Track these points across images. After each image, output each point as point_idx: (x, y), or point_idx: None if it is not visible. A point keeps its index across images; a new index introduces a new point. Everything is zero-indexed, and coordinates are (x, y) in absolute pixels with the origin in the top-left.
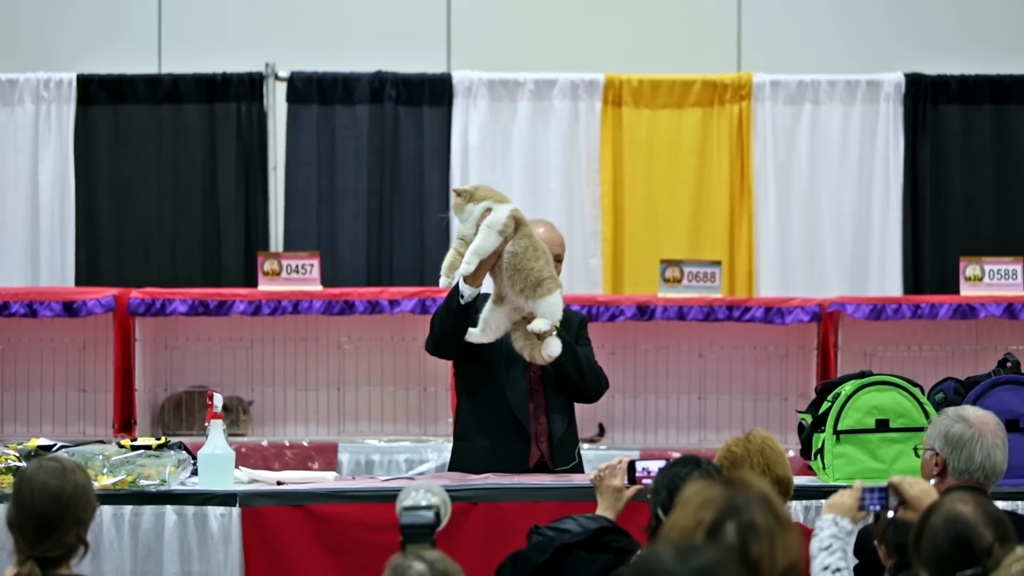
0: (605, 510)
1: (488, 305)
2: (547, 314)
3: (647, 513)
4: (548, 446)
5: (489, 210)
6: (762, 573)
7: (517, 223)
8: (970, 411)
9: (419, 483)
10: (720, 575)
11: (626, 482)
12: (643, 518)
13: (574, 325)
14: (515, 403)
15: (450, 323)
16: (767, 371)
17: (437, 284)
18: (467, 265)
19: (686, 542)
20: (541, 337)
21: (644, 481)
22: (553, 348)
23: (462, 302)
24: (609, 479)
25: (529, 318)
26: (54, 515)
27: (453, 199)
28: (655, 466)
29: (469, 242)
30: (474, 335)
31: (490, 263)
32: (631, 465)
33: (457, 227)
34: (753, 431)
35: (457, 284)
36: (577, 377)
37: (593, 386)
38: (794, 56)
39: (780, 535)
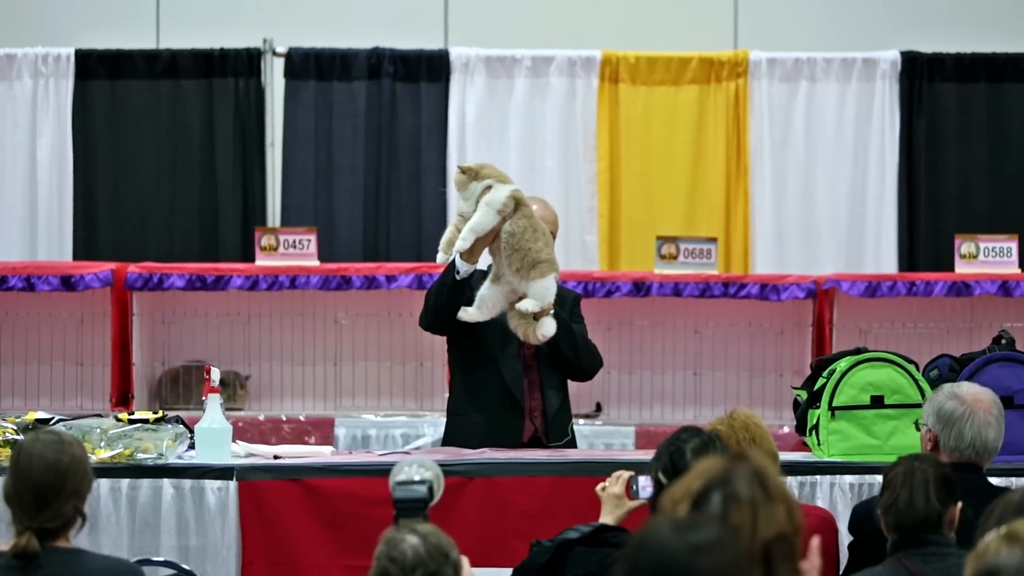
0: (605, 516)
1: (486, 283)
2: (537, 295)
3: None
4: (542, 421)
5: (489, 188)
6: (742, 541)
7: (517, 203)
8: (965, 388)
9: (412, 458)
10: (716, 552)
11: (628, 495)
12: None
13: (567, 303)
14: (510, 379)
15: (444, 298)
16: (762, 347)
17: (434, 260)
18: (463, 242)
19: (685, 518)
20: (537, 317)
21: (643, 496)
22: (548, 328)
23: (457, 278)
24: (611, 487)
25: (524, 298)
26: (51, 486)
27: (457, 175)
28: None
29: (468, 219)
30: (469, 314)
31: (487, 241)
32: (633, 479)
33: (457, 203)
34: (736, 410)
35: (453, 260)
36: (572, 356)
37: (588, 364)
38: (790, 34)
39: (765, 506)
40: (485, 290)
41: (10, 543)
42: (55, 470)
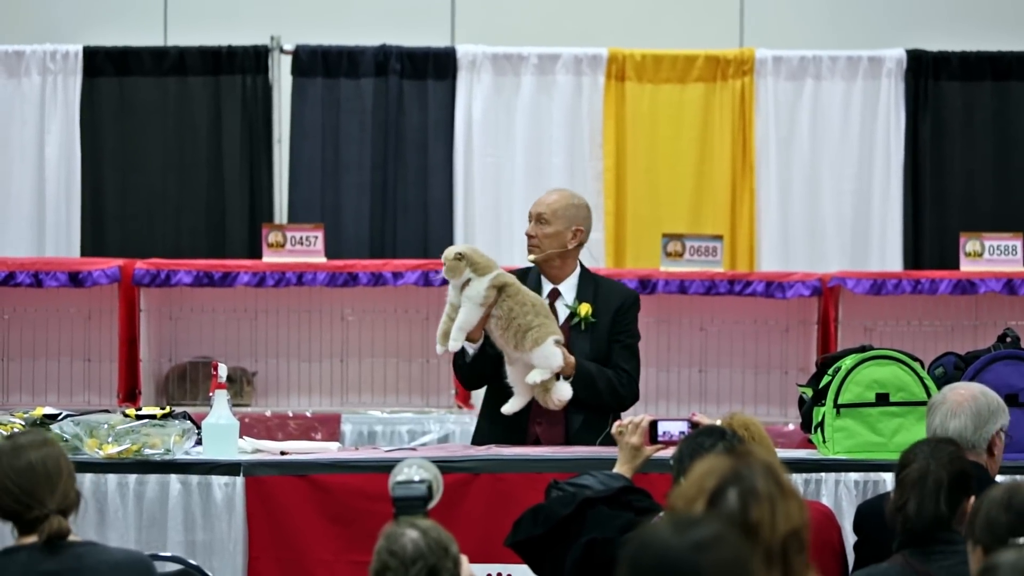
0: (622, 465)
1: (507, 368)
2: (541, 363)
3: (667, 482)
4: (547, 431)
5: (468, 282)
6: (763, 537)
7: (499, 290)
8: (956, 384)
9: (412, 459)
10: (718, 549)
11: (647, 442)
12: (661, 488)
13: (611, 308)
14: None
15: (467, 372)
16: (768, 345)
17: (439, 257)
18: (455, 342)
19: (684, 516)
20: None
21: (664, 441)
22: (562, 394)
23: (468, 360)
24: (629, 436)
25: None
26: (55, 465)
27: (450, 262)
28: (676, 428)
29: (455, 305)
30: (512, 406)
31: (481, 325)
32: (653, 425)
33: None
34: (735, 413)
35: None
36: (596, 403)
37: (615, 405)
38: (796, 32)
39: (781, 501)
40: (510, 374)
41: (21, 541)
42: (50, 448)
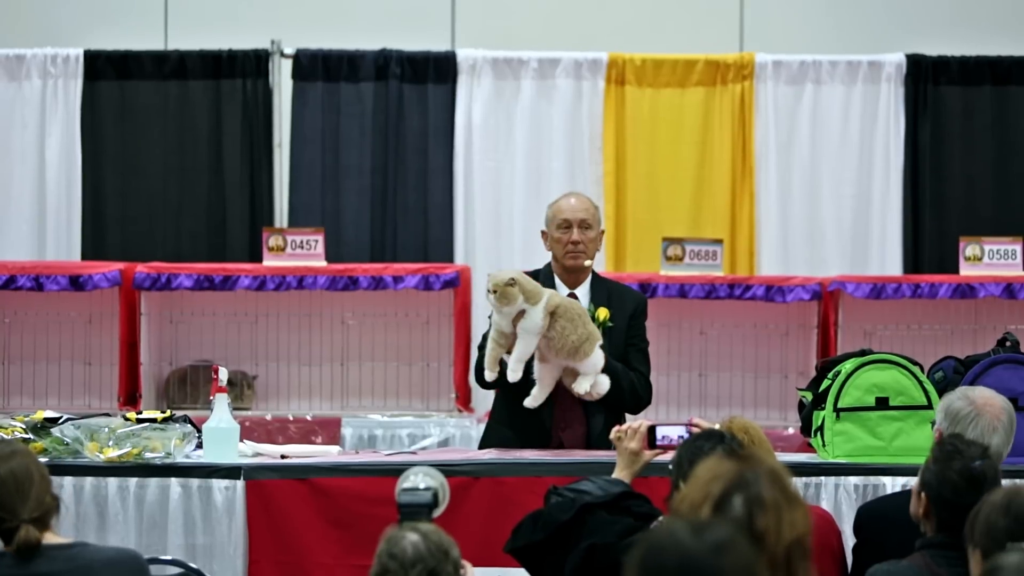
0: (621, 471)
1: (535, 364)
2: (589, 370)
3: (666, 486)
4: (570, 435)
5: (523, 313)
6: (768, 545)
7: (552, 316)
8: (979, 391)
9: (419, 467)
10: (734, 551)
11: (646, 447)
12: (660, 492)
13: (626, 313)
14: (543, 411)
15: (495, 384)
16: (767, 349)
17: (439, 261)
18: (513, 373)
19: (698, 519)
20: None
21: (663, 446)
22: (601, 387)
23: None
24: (628, 441)
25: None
26: (24, 472)
27: (502, 287)
28: (675, 432)
29: (504, 332)
30: (535, 398)
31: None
32: (651, 430)
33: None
34: (734, 417)
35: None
36: (618, 401)
37: (633, 406)
38: (796, 36)
39: (787, 510)
40: (539, 370)
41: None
42: (20, 458)
